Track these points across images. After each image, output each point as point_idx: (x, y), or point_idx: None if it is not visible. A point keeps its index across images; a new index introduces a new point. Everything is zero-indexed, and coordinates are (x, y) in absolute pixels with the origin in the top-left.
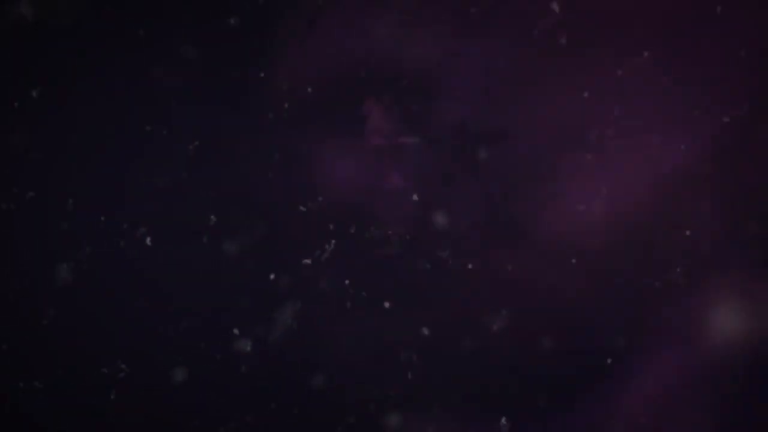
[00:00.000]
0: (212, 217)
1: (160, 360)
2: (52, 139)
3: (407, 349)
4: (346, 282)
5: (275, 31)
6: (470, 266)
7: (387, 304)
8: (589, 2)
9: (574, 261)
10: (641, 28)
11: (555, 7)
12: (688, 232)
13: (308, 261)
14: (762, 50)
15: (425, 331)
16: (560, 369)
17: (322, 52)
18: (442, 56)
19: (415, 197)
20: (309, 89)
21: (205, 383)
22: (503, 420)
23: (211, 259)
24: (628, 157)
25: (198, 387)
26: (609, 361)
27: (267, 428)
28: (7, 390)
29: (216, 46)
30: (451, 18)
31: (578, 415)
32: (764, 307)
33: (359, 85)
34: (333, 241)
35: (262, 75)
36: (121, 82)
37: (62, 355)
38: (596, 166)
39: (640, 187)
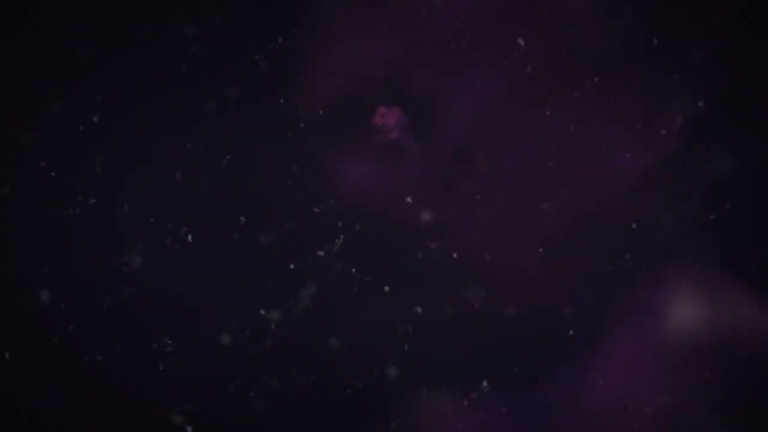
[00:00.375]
0: (242, 218)
1: (199, 336)
2: (110, 157)
3: (404, 324)
4: (353, 270)
5: (292, 66)
6: (455, 255)
7: (387, 288)
8: (547, 38)
9: (541, 250)
10: (592, 57)
11: (521, 41)
12: (634, 225)
13: (321, 253)
14: (690, 75)
15: (418, 309)
16: (530, 339)
17: (330, 83)
18: (427, 84)
19: (408, 200)
20: (320, 112)
21: (236, 356)
22: (484, 383)
23: (241, 253)
24: (583, 164)
25: (230, 358)
26: (571, 332)
27: (288, 391)
28: (74, 362)
29: (244, 79)
30: (434, 52)
31: (546, 377)
32: (703, 292)
33: (362, 110)
34: (342, 236)
35: (282, 101)
36: (166, 113)
37: (119, 333)
38: (557, 172)
39: (593, 188)
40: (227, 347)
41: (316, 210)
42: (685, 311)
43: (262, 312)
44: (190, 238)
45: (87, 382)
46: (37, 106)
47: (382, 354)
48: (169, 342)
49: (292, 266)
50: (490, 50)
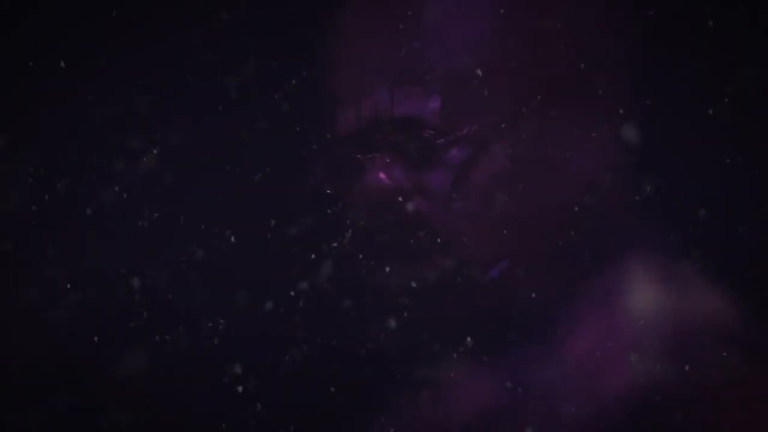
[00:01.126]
0: (272, 221)
1: (241, 315)
2: (168, 183)
3: (402, 296)
4: (360, 256)
5: (305, 103)
6: (439, 240)
7: (387, 269)
8: (498, 69)
9: (505, 231)
10: (534, 82)
11: (479, 72)
12: (576, 208)
13: (335, 244)
14: (612, 91)
15: (413, 284)
16: (501, 303)
17: (333, 115)
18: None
19: (399, 199)
20: (328, 136)
21: (272, 328)
22: (468, 339)
23: (272, 248)
24: (532, 164)
25: (267, 334)
26: (533, 295)
27: (315, 352)
28: (149, 343)
29: (270, 117)
30: (414, 76)
31: (516, 331)
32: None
33: (366, 139)
34: (350, 231)
35: (298, 129)
36: (212, 147)
37: (181, 317)
38: (511, 171)
39: (540, 183)
40: (267, 321)
41: (329, 211)
42: (632, 284)
43: (292, 293)
44: (233, 238)
45: (161, 355)
46: (117, 146)
47: (385, 320)
48: (221, 321)
49: (312, 255)
50: (454, 81)
